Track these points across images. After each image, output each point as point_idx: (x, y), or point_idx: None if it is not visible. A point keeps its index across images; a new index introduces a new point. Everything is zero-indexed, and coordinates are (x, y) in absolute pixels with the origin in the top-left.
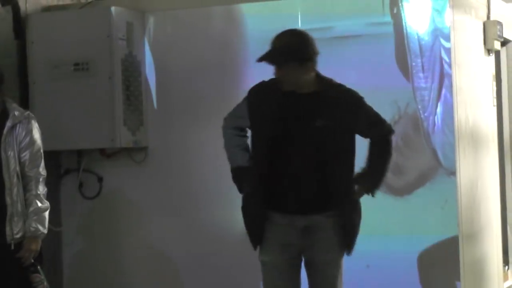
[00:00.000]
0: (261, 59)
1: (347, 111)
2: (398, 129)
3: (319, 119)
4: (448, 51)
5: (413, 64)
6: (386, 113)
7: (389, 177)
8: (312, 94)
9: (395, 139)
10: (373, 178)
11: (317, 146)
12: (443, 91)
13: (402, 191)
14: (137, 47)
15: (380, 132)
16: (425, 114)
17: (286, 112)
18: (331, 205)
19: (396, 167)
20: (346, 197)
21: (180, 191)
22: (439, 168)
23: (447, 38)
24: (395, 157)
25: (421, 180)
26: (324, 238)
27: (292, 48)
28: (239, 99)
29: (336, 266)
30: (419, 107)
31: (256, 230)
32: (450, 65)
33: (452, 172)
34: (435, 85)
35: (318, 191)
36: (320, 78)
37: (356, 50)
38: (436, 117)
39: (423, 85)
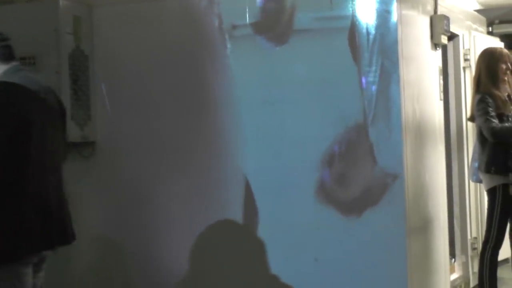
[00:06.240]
0: None
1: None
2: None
3: None
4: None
5: (360, 57)
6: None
7: None
8: None
9: None
10: None
11: None
12: (388, 86)
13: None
14: (84, 41)
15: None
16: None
17: None
18: None
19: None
20: None
21: (128, 185)
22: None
23: (386, 32)
24: None
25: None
26: None
27: None
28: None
29: None
30: (366, 102)
31: None
32: (392, 61)
33: (386, 167)
34: (377, 80)
35: None
36: None
37: (304, 45)
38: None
39: (370, 79)
